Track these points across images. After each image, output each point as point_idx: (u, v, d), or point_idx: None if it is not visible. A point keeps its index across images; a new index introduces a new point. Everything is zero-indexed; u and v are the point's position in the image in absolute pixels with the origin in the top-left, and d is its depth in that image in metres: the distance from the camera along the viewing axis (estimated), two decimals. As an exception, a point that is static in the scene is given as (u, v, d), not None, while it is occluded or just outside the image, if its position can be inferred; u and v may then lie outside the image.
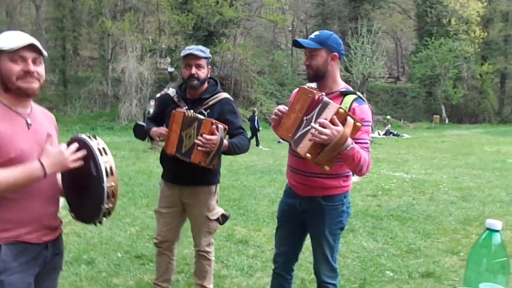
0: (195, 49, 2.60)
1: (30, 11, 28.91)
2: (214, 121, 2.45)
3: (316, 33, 2.21)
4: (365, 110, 2.13)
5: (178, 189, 2.69)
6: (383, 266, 3.74)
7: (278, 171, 8.96)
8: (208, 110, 2.61)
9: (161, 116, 2.75)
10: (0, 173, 1.48)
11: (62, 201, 1.84)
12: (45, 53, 1.65)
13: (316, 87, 2.25)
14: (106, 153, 1.64)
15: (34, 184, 1.57)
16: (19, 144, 1.56)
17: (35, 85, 1.61)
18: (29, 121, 1.64)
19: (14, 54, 1.55)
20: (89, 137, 1.69)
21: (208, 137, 2.40)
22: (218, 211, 2.78)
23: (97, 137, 1.71)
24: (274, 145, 14.83)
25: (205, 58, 2.62)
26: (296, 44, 2.21)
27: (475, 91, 31.13)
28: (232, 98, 2.79)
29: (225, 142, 2.50)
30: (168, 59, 24.42)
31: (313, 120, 1.94)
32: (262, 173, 8.79)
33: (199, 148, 2.41)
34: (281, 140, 15.80)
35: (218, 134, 2.44)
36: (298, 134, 2.00)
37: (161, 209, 2.76)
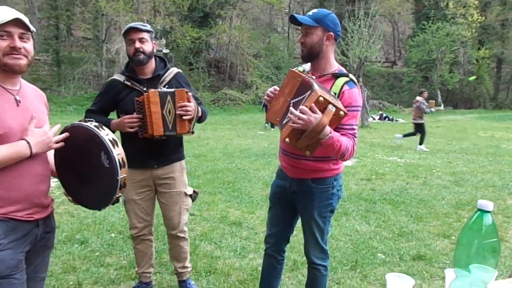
0: (135, 24, 2.52)
1: (22, -11, 28.31)
2: (183, 89, 2.45)
3: (314, 10, 2.16)
4: (354, 94, 2.09)
5: (150, 172, 2.61)
6: (375, 249, 3.78)
7: (273, 154, 8.96)
8: (167, 86, 2.54)
9: (112, 105, 2.58)
10: None
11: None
12: (32, 28, 1.61)
13: (309, 68, 2.22)
14: (117, 145, 1.66)
15: (21, 161, 1.56)
16: (8, 121, 1.54)
17: (22, 61, 1.58)
18: (18, 98, 1.62)
19: None
20: (97, 127, 1.69)
21: (188, 104, 2.39)
22: (189, 188, 2.80)
23: (104, 127, 1.71)
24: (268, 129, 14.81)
25: (147, 31, 2.51)
26: (293, 20, 2.15)
27: (471, 76, 31.07)
28: (182, 72, 2.74)
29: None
30: (163, 41, 24.09)
31: (300, 106, 1.91)
32: (257, 156, 8.79)
33: (183, 117, 2.39)
34: (267, 125, 15.70)
35: (193, 100, 2.45)
36: (284, 120, 1.98)
37: (135, 196, 2.65)
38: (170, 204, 2.70)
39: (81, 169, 1.73)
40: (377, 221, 4.57)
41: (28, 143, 1.55)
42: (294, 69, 2.12)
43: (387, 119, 20.60)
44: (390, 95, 29.24)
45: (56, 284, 3.00)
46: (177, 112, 2.39)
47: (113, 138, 1.67)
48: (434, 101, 28.62)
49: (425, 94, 11.19)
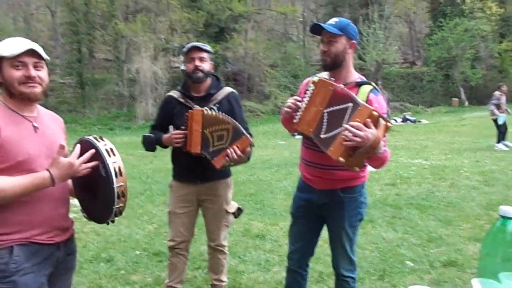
0: (197, 43, 2.65)
1: (46, 17, 29.39)
2: (251, 141, 2.51)
3: (335, 19, 2.16)
4: (380, 101, 2.09)
5: (194, 187, 2.68)
6: (403, 257, 3.67)
7: (295, 164, 8.87)
8: (218, 105, 2.61)
9: (167, 121, 2.71)
10: (9, 182, 1.51)
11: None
12: (46, 57, 1.67)
13: (328, 76, 2.18)
14: (114, 154, 1.65)
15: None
16: (27, 148, 1.59)
17: (37, 89, 1.63)
18: (35, 125, 1.67)
19: (14, 60, 1.58)
20: (95, 138, 1.70)
21: (240, 154, 2.44)
22: (234, 204, 2.82)
23: (104, 138, 1.71)
24: (290, 138, 14.75)
25: (208, 52, 2.63)
26: (315, 28, 2.13)
27: (494, 70, 30.12)
28: (236, 92, 2.79)
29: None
30: (181, 58, 24.48)
31: (345, 120, 1.88)
32: (278, 166, 8.75)
33: (226, 157, 2.45)
34: (296, 134, 15.67)
35: (248, 154, 2.51)
36: (327, 134, 1.95)
37: (178, 210, 2.73)
38: (212, 219, 2.78)
39: (88, 183, 1.73)
40: (404, 227, 4.46)
41: (51, 175, 1.57)
42: (322, 78, 2.08)
43: (409, 121, 20.21)
44: (411, 96, 28.67)
45: (83, 304, 3.04)
46: (229, 150, 2.43)
47: (110, 148, 1.66)
48: (457, 99, 27.95)
49: (503, 88, 10.15)
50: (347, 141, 1.82)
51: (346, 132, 1.81)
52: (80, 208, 1.87)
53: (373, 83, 2.15)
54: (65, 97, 22.36)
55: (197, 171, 2.62)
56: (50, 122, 1.78)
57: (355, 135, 1.79)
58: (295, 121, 2.08)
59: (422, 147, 11.08)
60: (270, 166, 8.80)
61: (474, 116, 20.68)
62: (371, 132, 1.79)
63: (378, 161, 1.98)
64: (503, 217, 1.03)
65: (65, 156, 1.62)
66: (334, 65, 2.13)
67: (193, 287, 3.24)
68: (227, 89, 2.73)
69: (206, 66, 2.61)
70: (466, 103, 27.95)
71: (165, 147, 2.66)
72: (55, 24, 25.83)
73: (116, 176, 1.61)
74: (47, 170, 1.57)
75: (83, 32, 23.02)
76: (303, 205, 2.33)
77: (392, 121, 18.72)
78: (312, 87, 2.05)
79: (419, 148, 10.84)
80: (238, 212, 2.84)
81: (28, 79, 1.60)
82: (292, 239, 2.43)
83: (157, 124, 2.79)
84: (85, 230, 4.56)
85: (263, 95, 25.18)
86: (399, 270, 3.39)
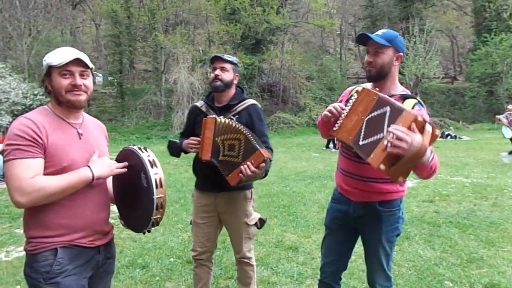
0: (220, 54, 2.71)
1: (91, 30, 30.87)
2: (266, 156, 2.33)
3: (383, 31, 2.14)
4: (425, 115, 1.99)
5: (213, 197, 2.68)
6: (442, 276, 3.53)
7: (329, 176, 8.80)
8: (237, 116, 2.61)
9: (192, 129, 2.75)
10: (52, 178, 1.59)
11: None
12: (91, 65, 1.75)
13: (372, 88, 2.14)
14: (156, 165, 1.70)
15: (84, 188, 1.67)
16: (71, 153, 1.67)
17: (82, 97, 1.71)
18: (80, 131, 1.75)
19: (62, 69, 1.66)
20: (140, 149, 1.75)
21: (254, 169, 2.29)
22: (255, 216, 2.78)
23: (148, 149, 1.77)
24: (324, 151, 14.61)
25: (231, 63, 2.66)
26: (361, 38, 2.11)
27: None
28: (259, 105, 2.78)
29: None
30: (218, 69, 24.89)
31: (385, 126, 1.75)
32: (312, 179, 8.67)
33: (240, 174, 2.32)
34: (330, 147, 15.44)
35: (263, 169, 2.33)
36: (366, 141, 1.84)
37: (198, 220, 2.74)
38: (232, 230, 2.76)
39: (129, 191, 1.79)
40: (443, 246, 4.29)
41: (91, 170, 1.66)
42: (366, 87, 2.03)
43: (449, 137, 19.54)
44: (451, 111, 27.76)
45: (119, 307, 3.11)
46: (242, 167, 2.32)
47: (153, 159, 1.71)
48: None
49: None
50: (390, 147, 1.66)
51: (389, 137, 1.66)
52: (118, 215, 1.94)
53: (418, 97, 2.10)
54: (106, 107, 23.26)
55: (214, 181, 2.58)
56: (94, 129, 1.87)
57: (399, 139, 1.63)
58: (335, 128, 2.02)
59: (462, 164, 10.67)
60: (303, 178, 8.75)
61: (520, 134, 19.71)
62: (415, 138, 1.63)
63: (425, 170, 1.83)
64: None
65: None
66: (379, 76, 2.10)
67: (225, 296, 3.23)
68: (250, 101, 2.70)
69: (227, 76, 2.63)
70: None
71: (186, 152, 2.68)
72: (99, 36, 27.06)
73: (156, 187, 1.66)
74: (87, 166, 1.67)
75: (124, 44, 23.94)
76: (338, 216, 2.29)
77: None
78: (355, 96, 2.01)
79: (459, 165, 10.45)
80: (260, 223, 2.79)
81: (74, 87, 1.68)
82: (326, 252, 2.38)
83: (185, 132, 2.84)
84: (122, 236, 4.69)
85: (298, 107, 25.13)
86: (437, 290, 3.27)
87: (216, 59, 2.66)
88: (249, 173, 2.29)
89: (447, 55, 35.65)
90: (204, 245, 2.75)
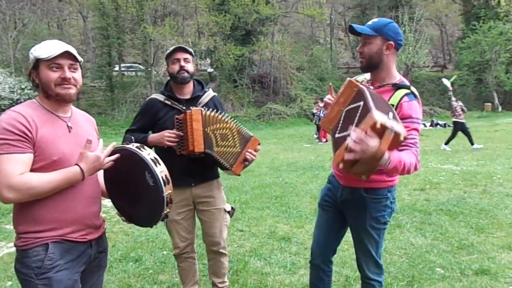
0: (182, 45, 2.65)
1: (78, 22, 30.42)
2: (259, 140, 2.62)
3: (374, 20, 2.12)
4: (413, 106, 2.00)
5: (189, 190, 2.65)
6: (433, 263, 3.58)
7: (320, 167, 8.84)
8: (205, 107, 2.59)
9: (151, 124, 2.63)
10: (42, 178, 1.57)
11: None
12: (80, 59, 1.72)
13: (369, 78, 2.17)
14: (159, 163, 1.71)
15: (74, 185, 1.65)
16: (61, 147, 1.64)
17: (72, 91, 1.69)
18: (69, 125, 1.72)
19: (51, 62, 1.63)
20: (138, 148, 1.73)
21: (255, 154, 2.58)
22: (227, 204, 2.84)
23: (146, 147, 1.76)
24: (315, 142, 14.66)
25: (191, 54, 2.64)
26: (351, 30, 2.11)
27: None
28: (217, 95, 2.84)
29: None
30: (208, 60, 24.79)
31: (354, 123, 1.79)
32: (304, 169, 8.70)
33: (246, 162, 2.56)
34: (315, 135, 15.53)
35: (258, 151, 2.61)
36: (339, 135, 1.90)
37: (176, 217, 2.67)
38: (211, 221, 2.74)
39: (128, 190, 1.78)
40: (434, 233, 4.34)
41: (81, 169, 1.63)
42: (352, 79, 2.05)
43: (438, 125, 19.71)
44: (441, 100, 27.96)
45: (112, 301, 3.11)
46: (247, 155, 2.56)
47: (154, 157, 1.72)
48: (490, 104, 27.04)
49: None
50: (346, 150, 1.71)
51: (348, 140, 1.70)
52: (117, 212, 1.93)
53: (412, 88, 2.06)
54: (95, 100, 23.04)
55: (190, 173, 2.59)
56: (83, 123, 1.84)
57: (354, 146, 1.67)
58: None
59: (452, 152, 10.78)
60: (295, 169, 8.77)
61: (508, 122, 19.99)
62: (370, 145, 1.65)
63: (396, 172, 1.89)
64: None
65: (92, 151, 1.68)
66: (369, 66, 2.09)
67: None
68: (211, 92, 2.75)
69: (191, 67, 2.61)
70: (500, 108, 27.01)
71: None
72: (87, 29, 26.70)
73: (164, 185, 1.68)
74: (77, 164, 1.63)
75: (113, 36, 23.65)
76: (329, 195, 2.36)
77: (422, 126, 18.50)
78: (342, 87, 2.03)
79: (449, 154, 10.56)
80: (232, 212, 2.85)
81: (64, 80, 1.66)
82: (315, 232, 2.44)
83: (137, 128, 2.65)
84: (114, 230, 4.66)
85: (289, 98, 25.14)
86: (428, 277, 3.31)
87: (179, 50, 2.60)
88: (253, 158, 2.56)
89: (437, 43, 35.82)
90: (186, 238, 2.75)
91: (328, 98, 2.17)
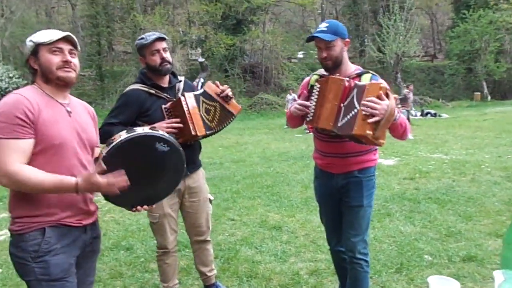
0: (157, 34, 2.51)
1: (67, 10, 29.93)
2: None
3: (325, 24, 2.28)
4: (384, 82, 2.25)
5: (183, 181, 2.56)
6: (421, 251, 3.63)
7: (311, 156, 8.86)
8: (184, 93, 2.57)
9: (135, 116, 2.47)
10: (42, 176, 1.56)
11: None
12: (79, 47, 1.77)
13: (324, 72, 2.35)
14: (156, 129, 1.78)
15: (72, 168, 1.67)
16: (62, 131, 1.66)
17: (72, 74, 1.72)
18: (69, 109, 1.75)
19: (52, 46, 1.67)
20: (128, 132, 1.66)
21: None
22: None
23: (135, 128, 1.71)
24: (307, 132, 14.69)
25: (166, 41, 2.59)
26: (312, 39, 2.27)
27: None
28: None
29: None
30: (199, 50, 24.59)
31: (355, 103, 2.01)
32: (295, 159, 8.73)
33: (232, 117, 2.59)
34: (307, 131, 15.63)
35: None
36: (343, 121, 2.06)
37: (168, 210, 2.61)
38: (198, 211, 2.72)
39: (146, 174, 1.71)
40: (423, 222, 4.40)
41: (77, 186, 1.59)
42: (333, 76, 2.21)
43: (429, 115, 19.86)
44: (431, 89, 28.14)
45: (104, 290, 3.12)
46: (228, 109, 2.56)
47: (151, 126, 1.76)
48: (479, 93, 27.24)
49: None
50: (368, 116, 1.94)
51: (364, 108, 1.94)
52: (140, 207, 1.84)
53: (370, 71, 2.30)
54: (85, 89, 22.79)
55: (187, 162, 2.53)
56: (81, 111, 1.85)
57: (374, 108, 1.93)
58: (308, 119, 2.27)
59: (442, 141, 10.88)
60: (287, 159, 8.80)
61: (497, 111, 20.21)
62: (386, 103, 1.95)
63: (400, 130, 2.14)
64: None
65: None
66: (335, 67, 2.27)
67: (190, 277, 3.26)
68: (182, 77, 2.74)
69: (170, 56, 2.55)
70: (489, 98, 27.23)
71: None
72: (75, 17, 26.28)
73: (176, 139, 1.77)
74: (76, 180, 1.59)
75: (102, 24, 23.35)
76: (323, 189, 2.50)
77: (412, 115, 18.44)
78: (317, 86, 2.22)
79: (439, 143, 10.66)
80: (210, 201, 2.88)
81: (65, 64, 1.68)
82: (324, 221, 2.62)
83: (118, 121, 2.44)
84: (105, 219, 4.65)
85: (280, 88, 25.10)
86: (417, 264, 3.36)
87: (158, 40, 2.47)
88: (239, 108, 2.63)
89: (427, 33, 35.91)
90: (175, 231, 2.73)
91: (300, 103, 2.29)
